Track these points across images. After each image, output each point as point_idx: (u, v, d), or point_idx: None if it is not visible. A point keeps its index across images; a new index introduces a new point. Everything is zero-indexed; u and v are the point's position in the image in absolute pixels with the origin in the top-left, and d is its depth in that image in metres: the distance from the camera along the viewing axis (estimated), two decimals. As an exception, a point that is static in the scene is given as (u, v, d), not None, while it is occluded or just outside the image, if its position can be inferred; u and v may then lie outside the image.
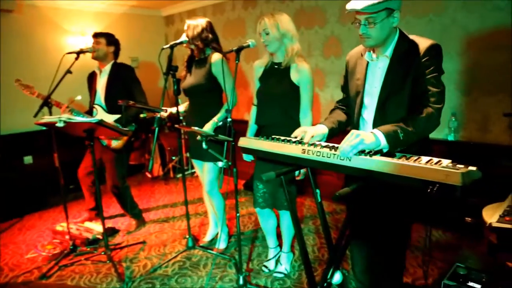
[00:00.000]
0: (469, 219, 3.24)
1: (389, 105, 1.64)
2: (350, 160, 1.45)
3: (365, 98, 1.74)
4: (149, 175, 5.54)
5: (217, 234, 3.28)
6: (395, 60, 1.63)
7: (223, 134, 2.41)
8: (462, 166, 1.29)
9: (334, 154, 1.51)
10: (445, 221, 3.25)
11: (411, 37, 1.64)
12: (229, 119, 2.33)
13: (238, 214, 2.48)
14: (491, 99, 3.10)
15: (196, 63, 2.87)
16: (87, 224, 3.56)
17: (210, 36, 2.79)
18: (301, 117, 2.48)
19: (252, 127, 2.75)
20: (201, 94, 2.84)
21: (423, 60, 1.56)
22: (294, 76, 2.40)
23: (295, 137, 1.81)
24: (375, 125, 1.66)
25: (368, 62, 1.73)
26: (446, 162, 1.35)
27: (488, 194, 2.35)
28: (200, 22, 2.77)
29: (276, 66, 2.47)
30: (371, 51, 1.71)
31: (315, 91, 3.28)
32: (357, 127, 1.80)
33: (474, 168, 1.27)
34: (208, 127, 2.75)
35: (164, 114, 2.99)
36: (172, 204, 4.41)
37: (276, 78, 2.46)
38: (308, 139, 1.74)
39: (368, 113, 1.74)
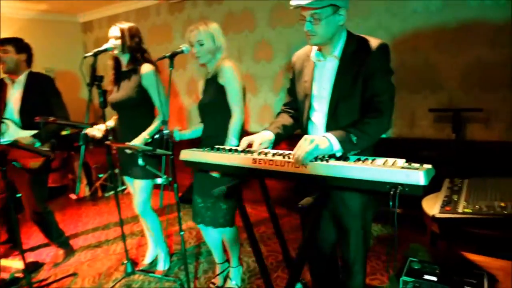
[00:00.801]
0: (399, 210, 3.41)
1: (341, 108, 1.59)
2: (306, 167, 1.38)
3: (314, 101, 1.68)
4: (73, 197, 5.02)
5: (157, 254, 3.04)
6: (344, 60, 1.58)
7: (159, 148, 2.21)
8: (418, 164, 1.28)
9: (288, 162, 1.43)
10: (378, 215, 3.37)
11: (359, 36, 1.61)
12: (166, 131, 2.14)
13: (182, 232, 2.33)
14: (416, 96, 3.30)
15: (124, 74, 2.62)
16: (2, 262, 3.08)
17: (142, 44, 2.59)
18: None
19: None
20: (131, 108, 2.61)
21: (373, 60, 1.52)
22: (221, 79, 2.28)
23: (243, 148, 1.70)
24: (328, 130, 1.58)
25: (315, 63, 1.67)
26: (401, 162, 1.34)
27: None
28: (134, 28, 2.55)
29: (208, 77, 2.37)
30: (319, 51, 1.65)
31: (247, 97, 3.11)
32: (306, 131, 1.72)
33: (429, 166, 1.28)
34: (138, 142, 2.50)
35: (98, 135, 2.63)
36: (104, 226, 4.03)
37: (207, 88, 2.38)
38: (257, 147, 1.64)
39: (318, 116, 1.67)
